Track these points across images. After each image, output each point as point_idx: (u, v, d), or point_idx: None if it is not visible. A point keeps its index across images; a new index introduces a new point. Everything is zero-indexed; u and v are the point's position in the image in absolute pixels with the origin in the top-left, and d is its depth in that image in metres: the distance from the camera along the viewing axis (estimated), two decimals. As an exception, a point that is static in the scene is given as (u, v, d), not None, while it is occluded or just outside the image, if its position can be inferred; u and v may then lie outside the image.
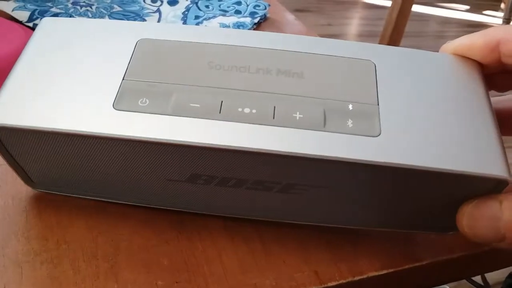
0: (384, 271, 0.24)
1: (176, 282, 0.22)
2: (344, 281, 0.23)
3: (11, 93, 0.21)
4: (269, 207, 0.24)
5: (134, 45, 0.23)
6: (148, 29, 0.23)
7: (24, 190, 0.26)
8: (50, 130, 0.20)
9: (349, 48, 0.23)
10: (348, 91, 0.21)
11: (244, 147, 0.19)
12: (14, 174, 0.24)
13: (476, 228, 0.21)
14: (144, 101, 0.21)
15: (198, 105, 0.20)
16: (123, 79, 0.21)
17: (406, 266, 0.24)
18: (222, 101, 0.21)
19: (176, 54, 0.22)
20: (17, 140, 0.21)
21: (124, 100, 0.21)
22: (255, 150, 0.19)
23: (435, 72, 0.23)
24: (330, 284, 0.23)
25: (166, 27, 0.24)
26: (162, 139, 0.20)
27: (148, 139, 0.20)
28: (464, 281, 0.88)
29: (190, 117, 0.20)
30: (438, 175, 0.20)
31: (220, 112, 0.20)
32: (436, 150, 0.20)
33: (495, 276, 0.94)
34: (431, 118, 0.21)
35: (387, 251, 0.25)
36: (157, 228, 0.25)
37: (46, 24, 0.24)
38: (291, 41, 0.23)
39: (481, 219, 0.20)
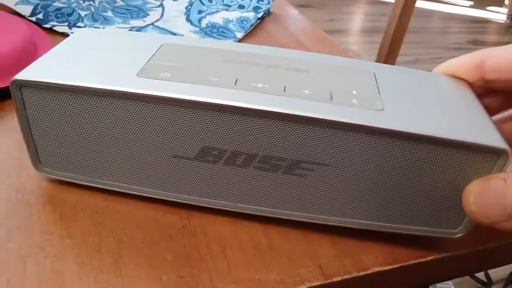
0: (389, 267, 0.24)
1: (180, 277, 0.22)
2: (348, 277, 0.23)
3: (44, 61, 0.24)
4: (273, 195, 0.24)
5: (159, 46, 0.26)
6: (171, 38, 0.28)
7: (28, 184, 0.26)
8: (69, 86, 0.22)
9: (349, 61, 0.27)
10: (351, 84, 0.24)
11: (257, 108, 0.21)
12: (18, 168, 0.24)
13: (483, 205, 0.21)
14: (166, 74, 0.23)
15: (216, 79, 0.23)
16: (148, 61, 0.25)
17: (410, 262, 0.24)
18: (237, 79, 0.23)
19: (195, 52, 0.26)
20: (38, 101, 0.23)
21: (148, 71, 0.24)
22: (268, 110, 0.21)
23: (429, 80, 0.26)
24: (334, 280, 0.23)
25: (187, 38, 0.28)
26: (180, 97, 0.22)
27: (167, 96, 0.22)
28: (468, 277, 0.88)
29: (208, 85, 0.23)
30: (441, 143, 0.21)
31: (235, 85, 0.23)
32: (439, 124, 0.22)
33: (498, 272, 0.94)
34: (430, 106, 0.23)
35: (392, 247, 0.25)
36: (161, 223, 0.25)
37: (81, 30, 0.28)
38: (296, 53, 0.27)
39: (487, 196, 0.21)
